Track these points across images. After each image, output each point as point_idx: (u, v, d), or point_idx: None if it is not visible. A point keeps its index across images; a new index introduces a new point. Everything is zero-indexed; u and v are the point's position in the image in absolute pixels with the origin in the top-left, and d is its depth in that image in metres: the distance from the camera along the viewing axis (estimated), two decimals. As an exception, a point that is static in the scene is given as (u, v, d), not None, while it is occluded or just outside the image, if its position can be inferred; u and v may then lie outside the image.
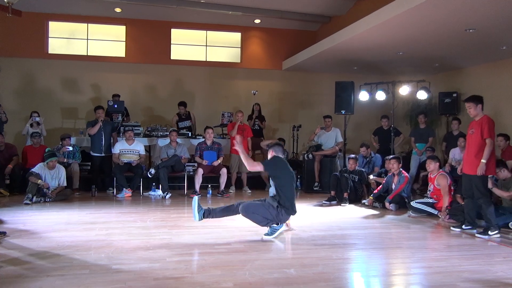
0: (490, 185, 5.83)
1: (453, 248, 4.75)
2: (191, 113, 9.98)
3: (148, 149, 9.40)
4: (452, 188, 6.55)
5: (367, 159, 8.62)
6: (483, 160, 5.11)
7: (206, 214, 5.01)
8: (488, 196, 5.30)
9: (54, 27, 11.14)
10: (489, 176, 5.58)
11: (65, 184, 7.52)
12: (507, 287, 3.44)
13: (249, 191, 8.71)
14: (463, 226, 5.46)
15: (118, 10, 10.77)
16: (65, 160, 8.11)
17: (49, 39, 11.07)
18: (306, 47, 10.50)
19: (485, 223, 5.30)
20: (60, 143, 8.35)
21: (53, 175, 7.40)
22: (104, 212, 6.42)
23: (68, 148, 8.19)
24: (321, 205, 7.36)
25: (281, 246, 4.65)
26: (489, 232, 5.12)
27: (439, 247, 4.94)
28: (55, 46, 11.13)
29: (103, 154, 8.37)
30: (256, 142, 9.52)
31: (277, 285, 3.38)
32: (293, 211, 5.04)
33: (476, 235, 5.20)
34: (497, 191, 5.85)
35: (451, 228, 5.58)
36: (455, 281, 3.52)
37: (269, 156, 5.24)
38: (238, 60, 12.03)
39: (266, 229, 4.92)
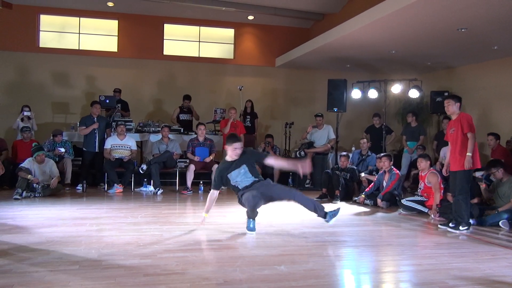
0: (482, 185, 5.92)
1: (442, 246, 4.78)
2: (192, 108, 9.94)
3: (140, 144, 9.35)
4: (442, 186, 6.59)
5: (363, 156, 8.58)
6: (468, 153, 5.18)
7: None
8: (467, 193, 5.34)
9: (46, 20, 11.02)
10: (482, 175, 5.61)
11: (57, 174, 7.43)
12: (495, 284, 3.47)
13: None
14: (450, 224, 5.50)
15: (110, 4, 10.70)
16: (62, 152, 8.03)
17: (40, 32, 10.96)
18: (299, 44, 10.50)
19: (457, 217, 5.35)
20: (52, 138, 8.27)
21: (42, 170, 7.34)
22: (95, 208, 6.37)
23: (61, 150, 8.09)
24: (312, 202, 7.35)
25: (271, 243, 4.65)
26: (460, 227, 5.24)
27: (429, 245, 4.98)
28: (47, 39, 11.02)
29: (96, 151, 8.31)
30: (248, 139, 9.51)
31: (267, 281, 3.39)
32: None
33: (449, 229, 5.31)
34: (485, 193, 5.94)
35: (439, 226, 5.61)
36: (444, 279, 3.55)
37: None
38: (231, 57, 12.00)
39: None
